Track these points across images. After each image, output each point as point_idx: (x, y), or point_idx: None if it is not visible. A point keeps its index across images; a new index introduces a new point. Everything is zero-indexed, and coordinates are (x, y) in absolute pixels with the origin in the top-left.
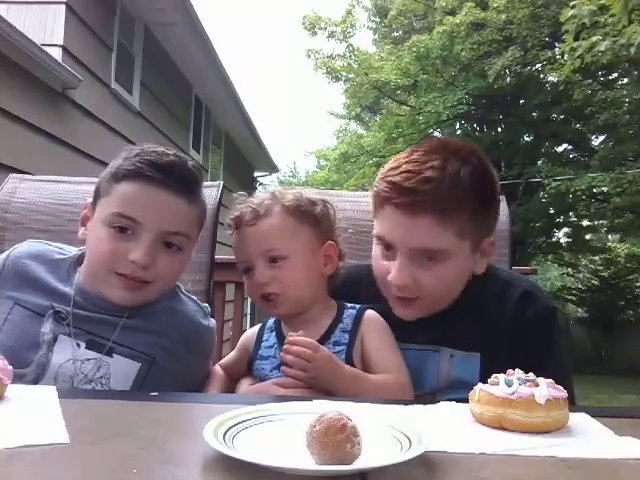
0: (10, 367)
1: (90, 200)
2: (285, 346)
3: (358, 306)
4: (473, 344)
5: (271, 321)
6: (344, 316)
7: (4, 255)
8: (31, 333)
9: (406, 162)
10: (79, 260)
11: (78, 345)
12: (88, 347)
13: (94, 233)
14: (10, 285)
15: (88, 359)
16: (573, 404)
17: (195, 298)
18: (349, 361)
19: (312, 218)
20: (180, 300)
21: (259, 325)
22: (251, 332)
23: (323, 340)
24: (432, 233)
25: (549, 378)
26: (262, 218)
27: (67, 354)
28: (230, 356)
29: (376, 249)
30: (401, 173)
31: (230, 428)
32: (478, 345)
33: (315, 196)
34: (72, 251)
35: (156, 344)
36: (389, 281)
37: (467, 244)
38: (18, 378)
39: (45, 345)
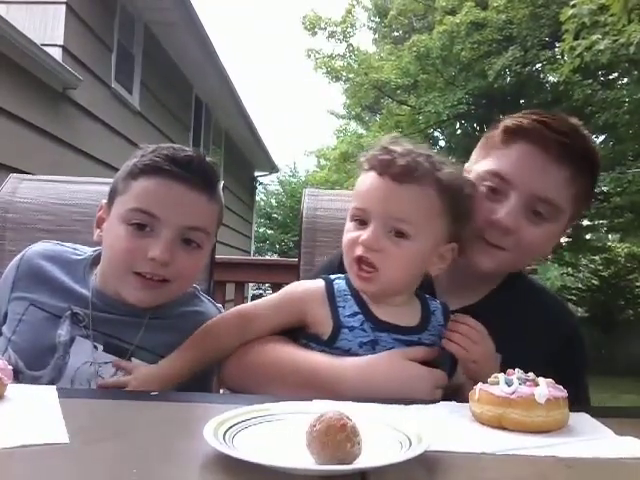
0: (10, 367)
1: (105, 201)
2: (452, 324)
3: (436, 300)
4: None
5: (342, 282)
6: (432, 308)
7: (18, 256)
8: (47, 335)
9: (551, 113)
10: (95, 261)
11: (96, 347)
12: (106, 350)
13: (111, 232)
14: (25, 286)
15: (106, 362)
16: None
17: (210, 299)
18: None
19: (455, 211)
20: (202, 302)
21: (318, 283)
22: (311, 290)
23: (420, 331)
24: (559, 184)
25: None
26: (412, 181)
27: (84, 356)
28: (269, 309)
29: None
30: (551, 116)
31: (230, 428)
32: (501, 346)
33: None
34: (87, 252)
35: (175, 345)
36: (492, 221)
37: (569, 213)
38: (33, 380)
39: (62, 347)
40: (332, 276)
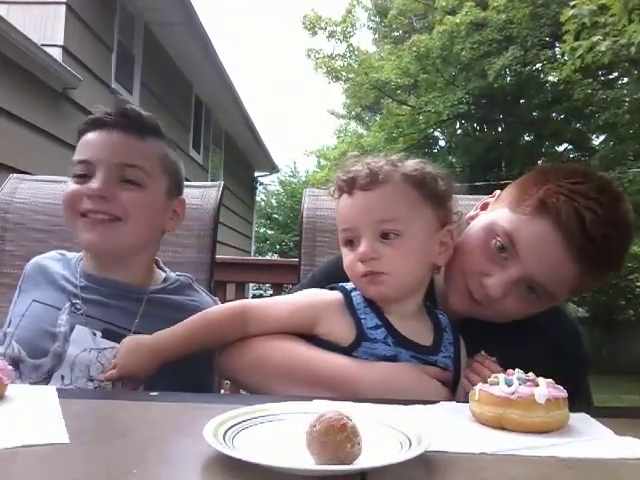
0: (10, 367)
1: None
2: (477, 366)
3: (442, 313)
4: (496, 349)
5: (358, 294)
6: (443, 324)
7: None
8: (47, 324)
9: (597, 199)
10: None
11: (94, 334)
12: (105, 336)
13: None
14: (29, 287)
15: (105, 348)
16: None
17: (205, 290)
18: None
19: (434, 195)
20: (197, 292)
21: (335, 293)
22: (328, 299)
23: (437, 349)
24: (565, 278)
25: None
26: (380, 184)
27: (84, 344)
28: (279, 309)
29: (485, 237)
30: (595, 205)
31: (230, 428)
32: (501, 350)
33: (438, 171)
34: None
35: None
36: (484, 285)
37: (563, 298)
38: (34, 368)
39: (62, 336)
40: (347, 286)
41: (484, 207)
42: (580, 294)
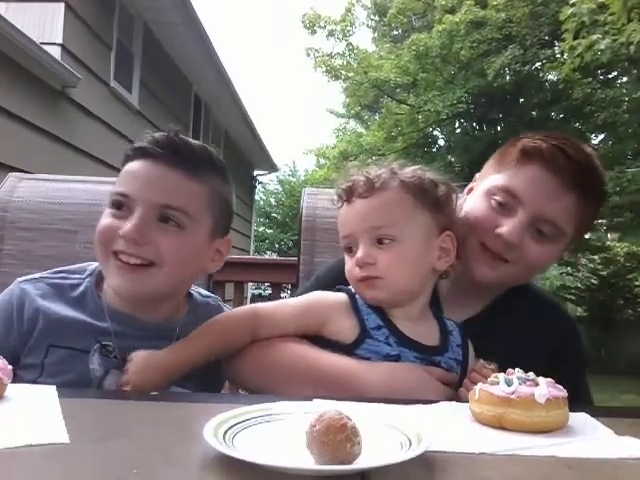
0: (10, 367)
1: None
2: (475, 375)
3: (450, 319)
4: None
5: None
6: (450, 328)
7: (12, 301)
8: (77, 372)
9: (567, 139)
10: (98, 280)
11: None
12: None
13: None
14: (39, 336)
15: None
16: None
17: (224, 304)
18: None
19: (433, 201)
20: (221, 310)
21: (340, 295)
22: (335, 301)
23: (444, 349)
24: (566, 209)
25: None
26: (377, 191)
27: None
28: (287, 313)
29: (484, 201)
30: (569, 142)
31: (230, 428)
32: (502, 351)
33: (438, 177)
34: (76, 272)
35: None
36: (496, 234)
37: (570, 236)
38: None
39: (96, 381)
40: (352, 288)
41: (469, 192)
42: (585, 232)
